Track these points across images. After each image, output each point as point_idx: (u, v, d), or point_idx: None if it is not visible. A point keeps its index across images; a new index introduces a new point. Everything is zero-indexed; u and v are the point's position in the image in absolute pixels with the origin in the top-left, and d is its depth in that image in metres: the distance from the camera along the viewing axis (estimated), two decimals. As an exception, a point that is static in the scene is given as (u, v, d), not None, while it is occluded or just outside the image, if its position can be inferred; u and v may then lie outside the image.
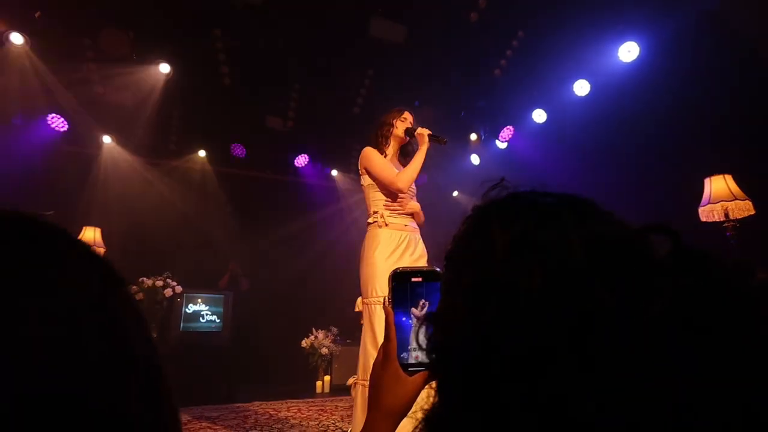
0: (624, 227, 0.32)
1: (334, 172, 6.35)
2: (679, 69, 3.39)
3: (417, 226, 2.22)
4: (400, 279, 0.60)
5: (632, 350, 0.26)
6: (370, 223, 2.17)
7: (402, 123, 2.27)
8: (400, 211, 2.17)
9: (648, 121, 3.53)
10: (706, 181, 2.79)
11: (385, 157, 2.25)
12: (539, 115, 4.73)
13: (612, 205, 0.36)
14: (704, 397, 0.25)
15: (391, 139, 2.27)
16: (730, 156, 2.91)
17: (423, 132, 2.18)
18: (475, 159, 5.78)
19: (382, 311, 2.05)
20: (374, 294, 1.99)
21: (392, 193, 2.16)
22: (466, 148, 5.69)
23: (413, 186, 2.25)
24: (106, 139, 5.28)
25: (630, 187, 3.61)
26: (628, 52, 3.68)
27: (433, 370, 0.37)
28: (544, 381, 0.27)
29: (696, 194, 2.83)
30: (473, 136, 5.52)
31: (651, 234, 0.31)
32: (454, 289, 0.35)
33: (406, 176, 2.12)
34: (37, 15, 3.96)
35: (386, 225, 2.09)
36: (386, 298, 0.60)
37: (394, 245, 2.07)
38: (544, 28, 3.99)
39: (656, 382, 0.25)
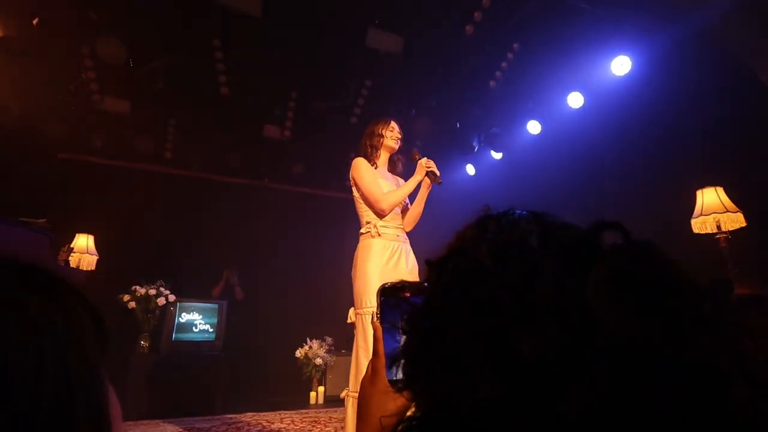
0: (578, 227, 0.36)
1: (331, 182, 6.36)
2: (671, 83, 3.46)
3: (407, 238, 2.24)
4: (388, 293, 0.59)
5: (566, 313, 0.29)
6: (362, 234, 2.18)
7: (391, 133, 2.30)
8: (391, 223, 2.18)
9: (641, 133, 3.59)
10: (698, 193, 2.83)
11: (375, 167, 2.27)
12: (534, 127, 4.78)
13: (605, 216, 0.38)
14: (632, 364, 0.27)
15: (382, 149, 2.31)
16: (722, 168, 2.96)
17: (422, 165, 2.20)
18: (470, 169, 5.82)
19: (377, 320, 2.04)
20: (367, 305, 1.99)
21: (386, 213, 2.19)
22: (462, 158, 5.73)
23: (403, 203, 2.28)
24: (98, 145, 5.27)
25: (623, 199, 3.65)
26: (621, 65, 3.74)
27: (413, 365, 0.39)
28: (503, 342, 0.30)
29: (689, 206, 2.86)
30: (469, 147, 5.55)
31: (603, 230, 0.34)
32: (432, 290, 0.39)
33: (392, 199, 2.14)
34: (35, 22, 3.97)
35: (379, 235, 2.11)
36: (374, 313, 0.60)
37: (387, 256, 2.08)
38: (538, 41, 4.06)
39: (582, 340, 0.28)
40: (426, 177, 2.19)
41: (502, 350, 0.29)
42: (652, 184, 3.51)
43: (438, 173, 2.21)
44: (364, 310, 2.00)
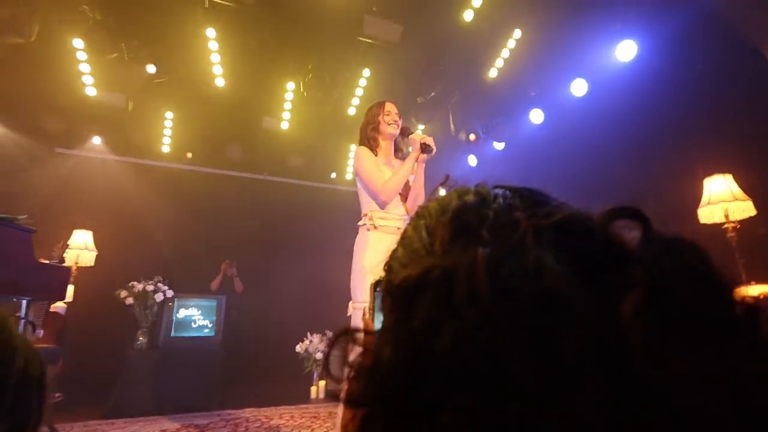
0: (582, 214, 0.27)
1: (333, 175, 6.30)
2: (678, 68, 3.34)
3: None
4: None
5: (602, 355, 0.21)
6: (360, 225, 2.10)
7: (387, 117, 2.19)
8: (392, 215, 2.09)
9: (646, 121, 3.48)
10: (706, 181, 2.73)
11: (376, 155, 2.18)
12: (537, 116, 4.67)
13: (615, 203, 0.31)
14: (691, 406, 0.20)
15: (380, 137, 2.21)
16: (731, 155, 2.85)
17: (416, 138, 2.08)
18: (472, 160, 5.72)
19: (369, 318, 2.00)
20: (360, 299, 1.95)
21: (388, 203, 2.09)
22: (463, 148, 5.63)
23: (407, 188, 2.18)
24: (96, 140, 5.24)
25: (628, 189, 3.55)
26: (626, 51, 3.62)
27: (353, 401, 0.28)
28: (497, 394, 0.21)
29: (696, 195, 2.77)
30: (472, 137, 5.44)
31: (615, 220, 0.26)
32: (385, 297, 0.28)
33: (390, 188, 2.02)
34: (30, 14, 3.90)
35: (375, 228, 2.03)
36: (366, 308, 0.54)
37: (383, 249, 2.00)
38: (540, 27, 3.94)
39: (629, 390, 0.20)
40: (421, 152, 2.08)
41: None
42: (658, 173, 3.41)
43: (432, 144, 2.08)
44: (358, 304, 1.96)
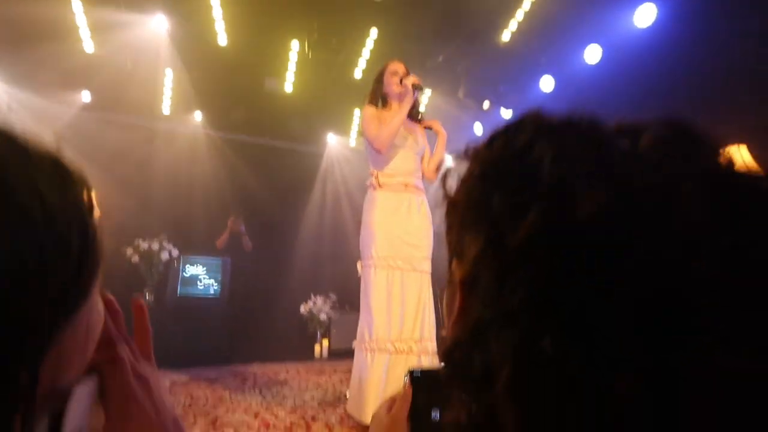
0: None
1: (332, 137, 6.23)
2: (696, 34, 3.24)
3: (421, 187, 2.15)
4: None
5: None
6: (367, 186, 2.14)
7: (392, 76, 2.16)
8: (399, 171, 2.09)
9: (662, 89, 3.41)
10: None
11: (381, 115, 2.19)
12: (547, 83, 4.57)
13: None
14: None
15: (389, 98, 2.19)
16: (746, 125, 2.82)
17: (407, 85, 2.07)
18: (478, 128, 5.65)
19: (376, 275, 2.00)
20: (369, 256, 1.98)
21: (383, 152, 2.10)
22: (470, 116, 5.54)
23: (417, 148, 2.18)
24: (89, 97, 5.11)
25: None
26: (645, 16, 3.51)
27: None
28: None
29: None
30: (486, 104, 5.27)
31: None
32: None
33: (384, 134, 2.01)
34: None
35: (380, 186, 2.05)
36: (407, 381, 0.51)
37: (392, 208, 2.02)
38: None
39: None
40: (414, 95, 2.09)
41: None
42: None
43: (418, 81, 2.10)
44: (367, 262, 2.00)
